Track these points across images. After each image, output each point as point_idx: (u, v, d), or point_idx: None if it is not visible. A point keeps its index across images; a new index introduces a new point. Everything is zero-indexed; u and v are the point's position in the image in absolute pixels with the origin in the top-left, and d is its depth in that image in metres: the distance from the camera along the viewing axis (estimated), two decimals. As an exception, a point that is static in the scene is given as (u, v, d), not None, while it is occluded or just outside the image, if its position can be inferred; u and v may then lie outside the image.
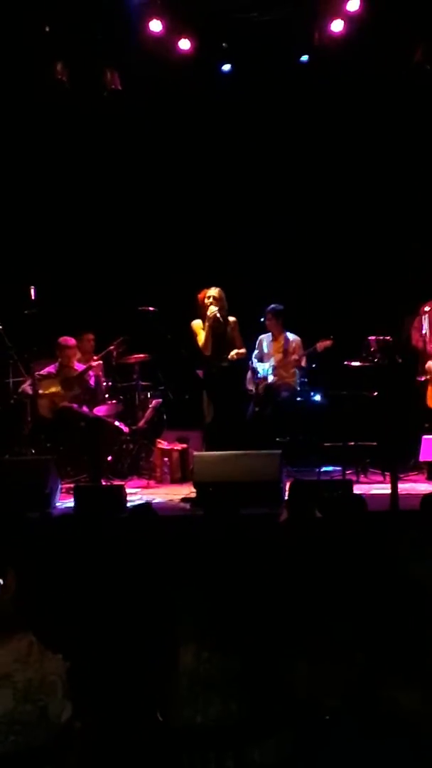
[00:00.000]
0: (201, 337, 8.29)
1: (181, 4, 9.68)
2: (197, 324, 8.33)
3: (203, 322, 8.30)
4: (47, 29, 9.57)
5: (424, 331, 9.04)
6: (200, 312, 8.34)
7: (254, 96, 10.45)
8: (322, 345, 9.25)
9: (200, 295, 8.33)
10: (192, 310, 8.39)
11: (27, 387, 9.22)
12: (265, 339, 9.65)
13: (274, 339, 9.62)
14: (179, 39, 9.84)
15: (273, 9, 9.53)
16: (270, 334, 9.63)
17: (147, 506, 5.08)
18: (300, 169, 10.67)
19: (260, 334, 9.64)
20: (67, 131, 10.61)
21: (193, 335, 8.36)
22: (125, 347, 9.75)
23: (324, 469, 9.22)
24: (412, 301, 9.18)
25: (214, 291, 8.28)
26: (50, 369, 9.41)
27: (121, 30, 9.70)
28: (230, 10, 9.64)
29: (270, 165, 10.73)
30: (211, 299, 8.25)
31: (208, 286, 8.35)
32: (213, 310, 8.21)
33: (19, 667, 3.25)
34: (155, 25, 9.68)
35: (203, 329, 8.28)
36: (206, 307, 8.26)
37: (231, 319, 8.35)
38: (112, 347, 9.68)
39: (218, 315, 8.20)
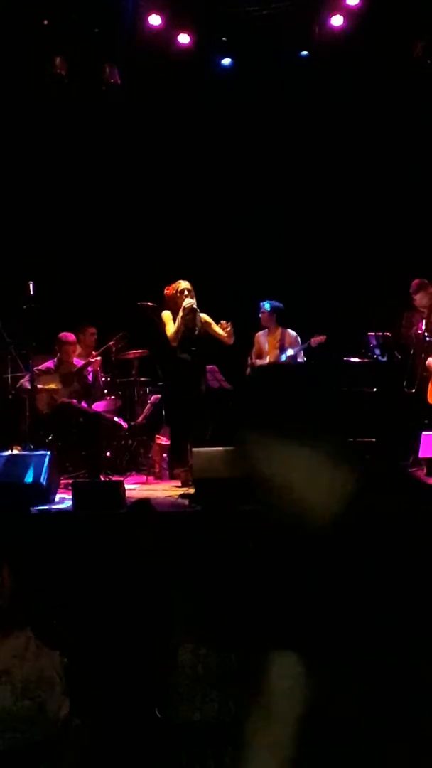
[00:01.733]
0: (170, 327, 8.40)
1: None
2: (167, 315, 8.44)
3: (173, 315, 8.39)
4: (46, 23, 9.56)
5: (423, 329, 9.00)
6: (168, 304, 8.47)
7: (254, 91, 10.43)
8: (315, 340, 9.27)
9: (170, 288, 8.47)
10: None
11: (25, 382, 9.20)
12: (261, 335, 9.65)
13: (270, 335, 9.61)
14: (178, 33, 9.83)
15: (273, 3, 9.51)
16: (266, 330, 9.63)
17: (146, 502, 5.07)
18: (299, 165, 10.66)
19: (256, 331, 9.64)
20: (66, 126, 10.59)
21: (161, 325, 8.45)
22: (125, 342, 9.74)
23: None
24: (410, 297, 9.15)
25: (187, 284, 8.43)
26: (49, 364, 9.39)
27: (120, 24, 9.69)
28: (230, 4, 9.62)
29: (268, 160, 10.72)
30: (185, 292, 8.37)
31: (175, 280, 8.48)
32: (190, 301, 8.32)
33: (17, 663, 3.24)
34: (154, 20, 9.67)
35: (173, 321, 8.38)
36: (179, 298, 8.37)
37: (203, 315, 8.48)
38: (111, 343, 9.66)
39: (195, 306, 8.31)
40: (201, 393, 8.59)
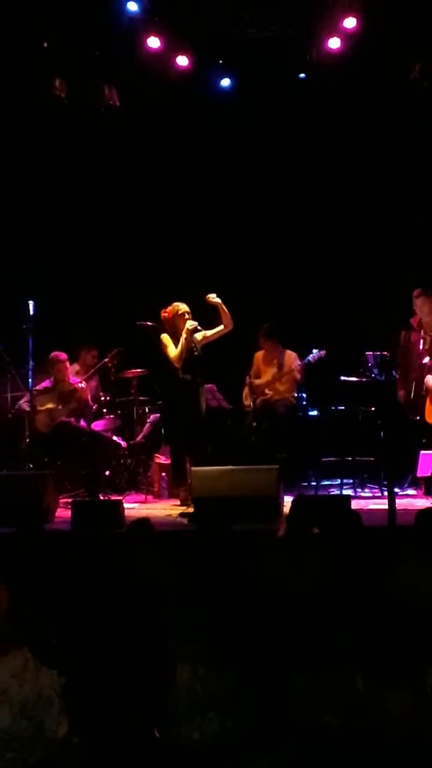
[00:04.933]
0: (171, 349, 8.44)
1: (179, 20, 9.72)
2: (166, 338, 8.49)
3: (172, 337, 8.45)
4: (45, 45, 9.62)
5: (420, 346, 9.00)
6: (166, 327, 8.51)
7: (252, 113, 10.47)
8: (315, 356, 9.28)
9: (168, 311, 8.51)
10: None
11: (24, 404, 9.22)
12: (260, 356, 9.68)
13: (270, 354, 9.63)
14: (177, 55, 9.88)
15: (271, 26, 9.57)
16: (264, 351, 9.66)
17: (145, 521, 5.08)
18: (298, 185, 10.70)
19: (255, 351, 9.67)
20: (66, 147, 10.64)
21: (162, 347, 8.48)
22: (120, 359, 9.76)
23: (322, 483, 9.25)
24: (408, 316, 9.17)
25: (185, 306, 8.50)
26: (46, 384, 9.40)
27: (120, 46, 9.75)
28: (228, 27, 9.67)
29: (267, 181, 10.76)
30: (186, 315, 8.43)
31: (174, 301, 8.55)
32: (193, 323, 8.38)
33: (15, 682, 3.24)
34: (153, 42, 9.73)
35: (173, 343, 8.43)
36: (179, 320, 8.43)
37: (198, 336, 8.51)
38: (107, 359, 9.69)
39: (198, 327, 8.36)
40: (201, 413, 8.61)
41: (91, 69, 9.93)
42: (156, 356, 8.68)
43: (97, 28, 9.57)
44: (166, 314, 8.54)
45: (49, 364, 9.38)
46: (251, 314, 9.50)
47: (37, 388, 9.26)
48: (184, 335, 8.37)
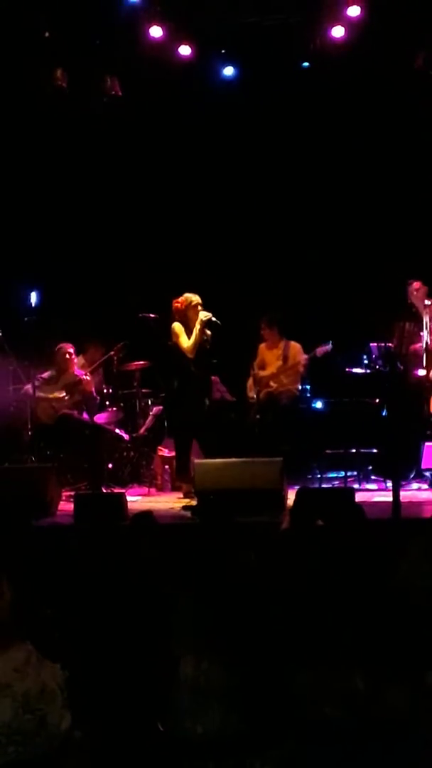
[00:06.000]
0: (184, 339, 8.37)
1: (181, 9, 9.68)
2: (179, 327, 8.41)
3: (183, 326, 8.39)
4: (47, 35, 9.58)
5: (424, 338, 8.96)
6: (178, 317, 8.44)
7: (255, 102, 10.44)
8: (321, 350, 9.24)
9: (180, 301, 8.44)
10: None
11: (29, 388, 9.18)
12: (264, 348, 9.65)
13: (273, 346, 9.61)
14: (179, 45, 9.85)
15: (274, 14, 9.52)
16: (268, 342, 9.64)
17: (148, 515, 5.05)
18: (300, 175, 10.66)
19: (260, 342, 9.64)
20: (68, 138, 10.61)
21: (174, 336, 8.41)
22: (125, 353, 9.72)
23: (326, 476, 9.22)
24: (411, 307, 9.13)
25: (198, 297, 8.43)
26: (49, 373, 9.38)
27: (121, 36, 9.73)
28: (231, 16, 9.63)
29: (270, 171, 10.73)
30: (199, 306, 8.36)
31: (181, 293, 8.49)
32: (207, 314, 8.32)
33: (18, 676, 3.21)
34: (155, 31, 9.69)
35: (186, 333, 8.37)
36: (192, 311, 8.36)
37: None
38: (112, 353, 9.66)
39: (213, 318, 8.30)
40: (208, 405, 8.58)
41: (92, 59, 9.90)
42: (161, 347, 8.65)
43: (98, 18, 9.55)
44: (178, 305, 8.46)
45: (55, 353, 9.37)
46: (254, 306, 9.49)
47: (42, 375, 9.27)
48: (198, 326, 8.31)
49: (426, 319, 8.89)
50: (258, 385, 9.40)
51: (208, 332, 8.40)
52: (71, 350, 9.42)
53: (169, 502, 8.46)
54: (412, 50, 9.50)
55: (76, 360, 9.50)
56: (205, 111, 10.54)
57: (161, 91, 10.25)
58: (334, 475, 9.36)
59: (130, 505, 7.72)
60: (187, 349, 8.35)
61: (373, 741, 3.20)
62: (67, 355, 9.36)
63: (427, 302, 9.00)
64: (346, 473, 9.11)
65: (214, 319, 8.34)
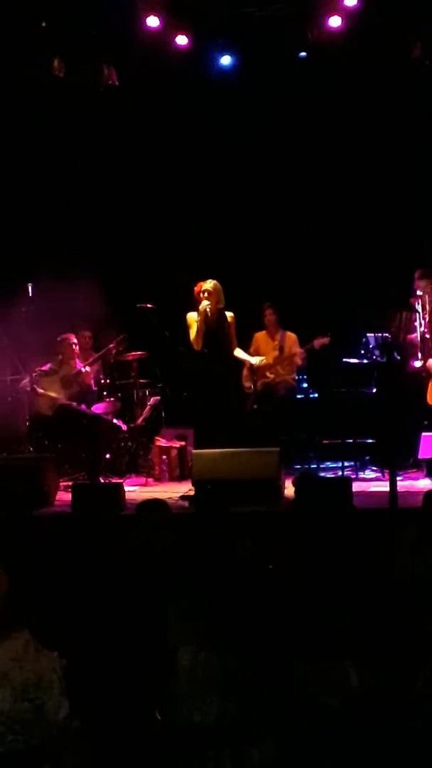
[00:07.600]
0: (192, 331, 8.13)
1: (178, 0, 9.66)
2: (192, 317, 8.15)
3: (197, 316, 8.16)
4: (43, 25, 9.55)
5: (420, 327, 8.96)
6: (196, 305, 8.16)
7: (252, 92, 10.42)
8: (319, 342, 9.24)
9: (196, 288, 8.17)
10: (189, 306, 8.35)
11: (26, 384, 9.20)
12: (260, 336, 9.63)
13: (270, 336, 9.60)
14: (176, 35, 9.82)
15: (271, 4, 9.50)
16: (265, 331, 9.61)
17: (160, 503, 4.97)
18: (298, 165, 10.65)
19: (255, 332, 9.62)
20: (64, 127, 10.58)
21: (187, 328, 8.25)
22: (125, 345, 9.71)
23: (323, 466, 9.24)
24: (408, 296, 9.14)
25: (209, 284, 8.08)
26: (49, 366, 9.39)
27: (118, 26, 9.69)
28: (228, 5, 9.60)
29: (268, 160, 10.71)
30: (205, 293, 8.07)
31: (205, 279, 8.20)
32: (205, 304, 8.05)
33: (16, 665, 3.22)
34: (152, 21, 9.66)
35: (197, 322, 8.12)
36: (198, 299, 8.12)
37: (228, 314, 8.21)
38: (111, 345, 9.64)
39: (208, 310, 8.04)
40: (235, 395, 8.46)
41: (89, 49, 9.87)
42: (159, 338, 8.60)
43: (95, 7, 9.51)
44: (195, 289, 8.19)
45: (58, 345, 9.37)
46: (251, 296, 9.48)
47: (41, 368, 9.26)
48: (199, 317, 8.10)
49: (419, 308, 8.90)
50: (254, 375, 9.38)
51: (223, 321, 8.13)
52: (75, 341, 9.42)
53: (167, 492, 8.46)
54: (409, 40, 9.48)
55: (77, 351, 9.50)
56: (203, 101, 10.52)
57: (158, 81, 10.23)
58: (332, 465, 9.38)
59: (127, 495, 7.73)
60: (192, 342, 8.16)
61: (369, 730, 3.22)
62: (69, 347, 9.35)
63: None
64: (343, 463, 9.12)
65: (208, 310, 8.02)
